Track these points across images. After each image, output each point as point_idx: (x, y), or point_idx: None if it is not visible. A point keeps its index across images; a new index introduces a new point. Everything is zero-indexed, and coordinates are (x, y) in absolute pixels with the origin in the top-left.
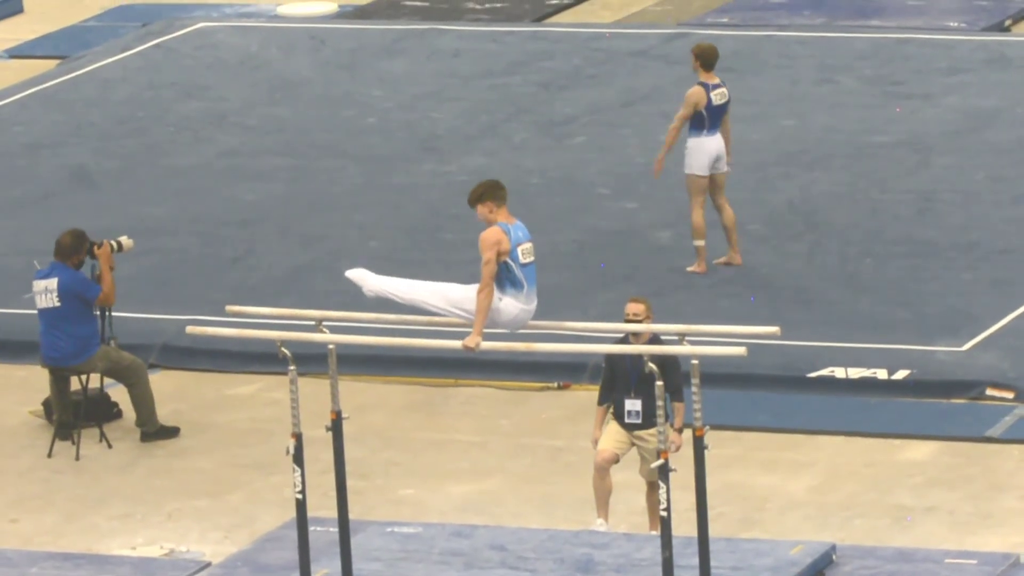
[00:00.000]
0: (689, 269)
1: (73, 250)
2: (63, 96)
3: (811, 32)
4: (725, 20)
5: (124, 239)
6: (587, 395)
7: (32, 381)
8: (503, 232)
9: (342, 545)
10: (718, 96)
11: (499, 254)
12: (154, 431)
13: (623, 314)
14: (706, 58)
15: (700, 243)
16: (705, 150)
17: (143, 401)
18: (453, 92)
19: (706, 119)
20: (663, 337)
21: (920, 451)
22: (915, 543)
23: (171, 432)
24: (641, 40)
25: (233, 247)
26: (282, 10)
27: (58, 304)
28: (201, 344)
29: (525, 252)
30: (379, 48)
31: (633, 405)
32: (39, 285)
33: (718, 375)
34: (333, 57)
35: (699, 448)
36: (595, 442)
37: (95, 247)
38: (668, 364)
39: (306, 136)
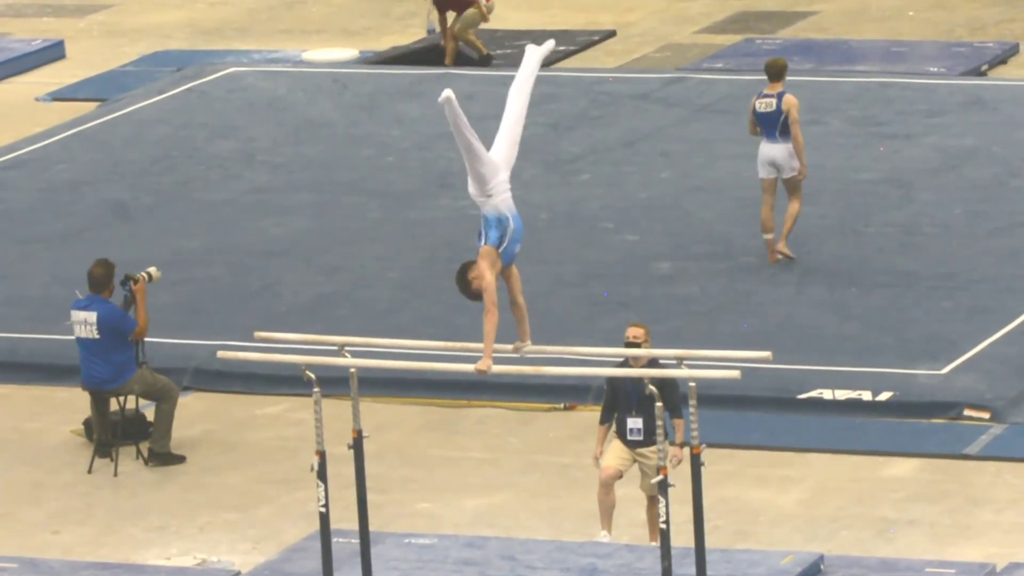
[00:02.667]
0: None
1: (106, 280)
2: (102, 136)
3: (800, 76)
4: (720, 65)
5: (153, 270)
6: (591, 415)
7: (73, 402)
8: (494, 251)
9: (363, 555)
10: (762, 104)
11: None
12: (162, 452)
13: (624, 338)
14: (766, 70)
15: (766, 237)
16: (759, 154)
17: (164, 419)
18: None
19: (758, 126)
20: (662, 361)
21: (902, 468)
22: (898, 554)
23: (177, 459)
24: (642, 84)
25: (261, 277)
26: (307, 56)
27: (97, 336)
28: (231, 368)
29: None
30: (397, 91)
31: (635, 424)
32: (78, 316)
33: (714, 396)
34: (354, 100)
35: (696, 464)
36: (596, 458)
37: (132, 283)
38: (667, 385)
39: (329, 173)
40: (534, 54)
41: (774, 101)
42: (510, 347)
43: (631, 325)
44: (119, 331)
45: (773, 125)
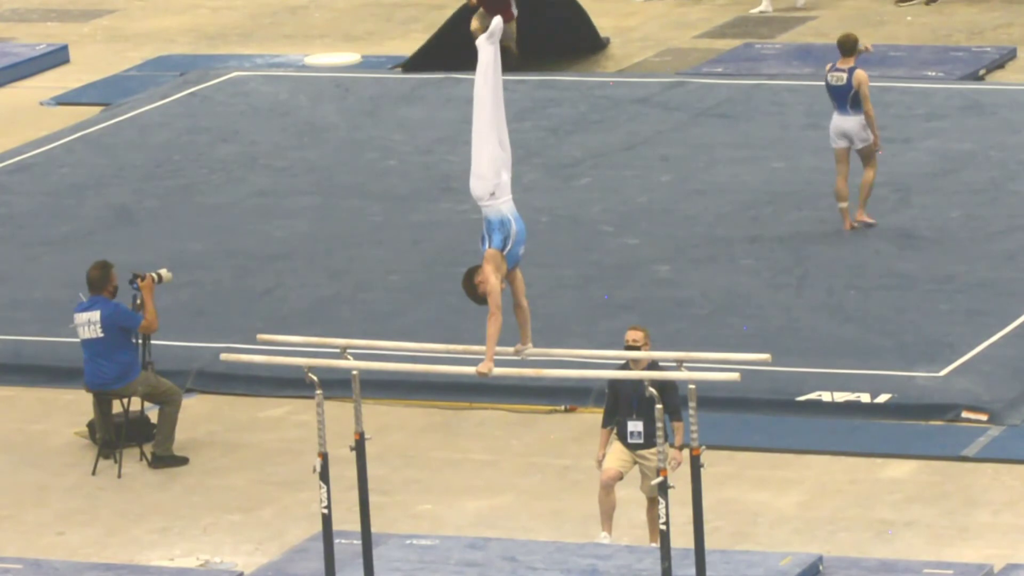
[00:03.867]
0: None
1: (104, 280)
2: (106, 140)
3: (800, 81)
4: (720, 70)
5: (164, 271)
6: (592, 417)
7: (77, 404)
8: (499, 255)
9: (365, 556)
10: (833, 78)
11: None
12: (165, 456)
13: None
14: (838, 45)
15: (840, 206)
16: (831, 126)
17: (167, 423)
18: (467, 137)
19: (830, 98)
20: (662, 363)
21: (900, 469)
22: (896, 555)
23: (180, 461)
24: (642, 88)
25: (264, 280)
26: (309, 60)
27: (101, 335)
28: (234, 370)
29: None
30: (399, 96)
31: (635, 426)
32: (81, 318)
33: (713, 399)
34: (356, 104)
35: (696, 466)
36: (599, 461)
37: (139, 279)
38: (667, 388)
39: (331, 177)
40: (484, 45)
41: (845, 75)
42: (511, 350)
43: (631, 328)
44: (123, 328)
45: (843, 98)
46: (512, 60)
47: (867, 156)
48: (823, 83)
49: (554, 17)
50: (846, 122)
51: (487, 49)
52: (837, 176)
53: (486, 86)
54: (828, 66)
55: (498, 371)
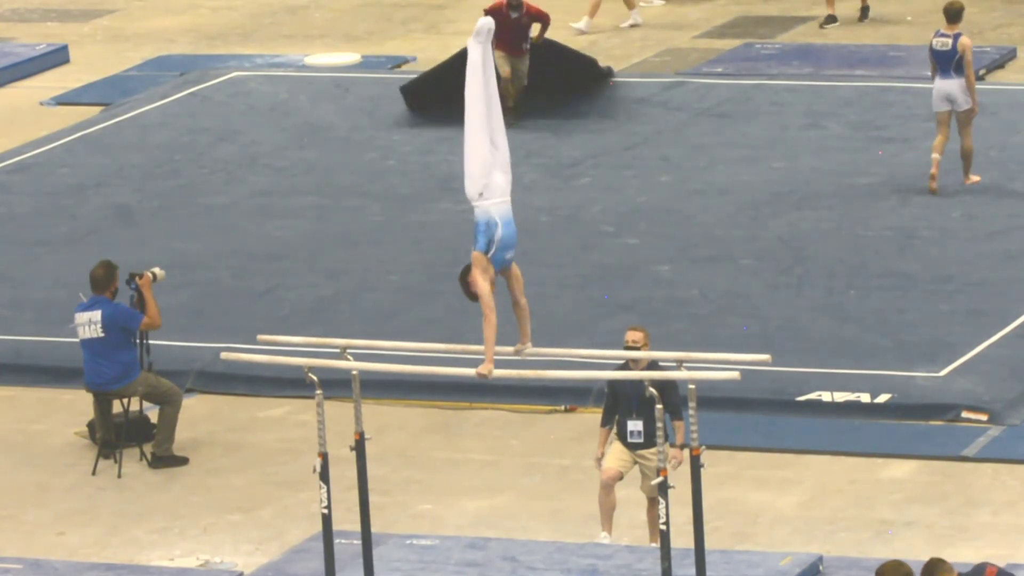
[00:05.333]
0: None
1: (107, 280)
2: (106, 140)
3: (799, 81)
4: (720, 70)
5: (157, 270)
6: (592, 417)
7: (77, 404)
8: (484, 258)
9: (365, 556)
10: (938, 43)
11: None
12: (165, 456)
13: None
14: (944, 12)
15: (933, 156)
16: (935, 90)
17: (167, 423)
18: None
19: (933, 63)
20: (662, 363)
21: (900, 469)
22: (896, 555)
23: (180, 461)
24: (642, 88)
25: (264, 280)
26: (309, 60)
27: (102, 335)
28: (234, 370)
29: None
30: (399, 96)
31: (635, 426)
32: (82, 317)
33: (713, 399)
34: (356, 104)
35: (696, 466)
36: (597, 460)
37: (137, 278)
38: (667, 388)
39: (331, 177)
40: (472, 45)
41: (950, 41)
42: (511, 349)
43: (630, 329)
44: (124, 328)
45: (948, 62)
46: (508, 114)
47: (964, 122)
48: (820, 82)
49: (557, 63)
50: (949, 85)
51: (475, 49)
52: (938, 135)
53: (476, 84)
54: (933, 36)
55: (498, 372)
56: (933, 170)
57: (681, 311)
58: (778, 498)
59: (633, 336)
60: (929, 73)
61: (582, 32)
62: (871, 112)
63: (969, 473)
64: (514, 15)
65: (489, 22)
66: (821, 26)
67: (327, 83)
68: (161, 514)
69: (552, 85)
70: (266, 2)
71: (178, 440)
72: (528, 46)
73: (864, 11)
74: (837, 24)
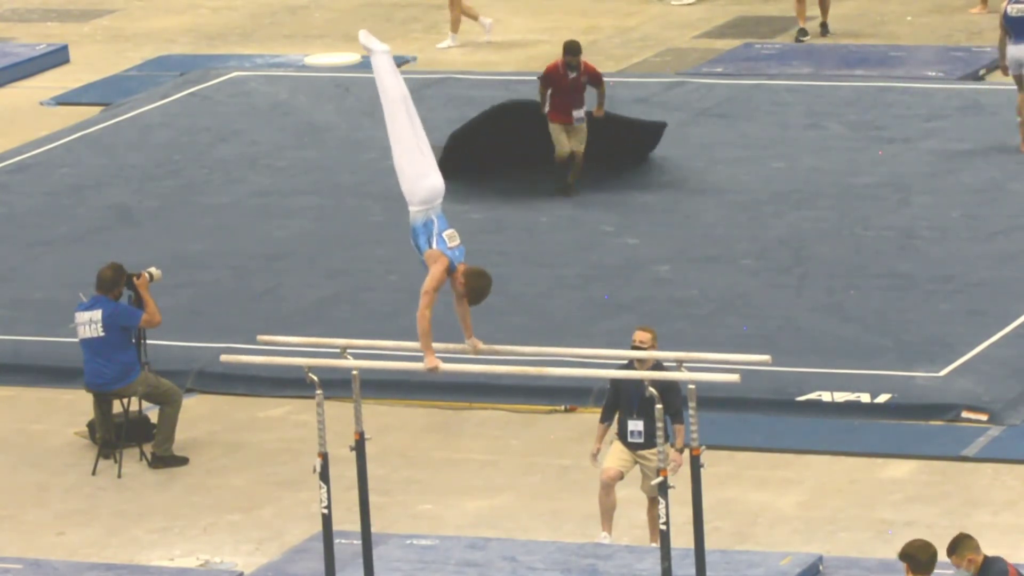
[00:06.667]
0: None
1: (114, 283)
2: (106, 140)
3: (800, 81)
4: (720, 70)
5: (154, 270)
6: (592, 417)
7: (77, 404)
8: (435, 251)
9: (365, 556)
10: (1014, 10)
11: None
12: (165, 456)
13: (629, 341)
14: None
15: (1019, 119)
16: (1008, 55)
17: (167, 424)
18: None
19: (1008, 29)
20: (663, 364)
21: (900, 469)
22: (896, 555)
23: (180, 461)
24: (643, 88)
25: (264, 280)
26: (309, 61)
27: (102, 334)
28: (234, 370)
29: (450, 237)
30: None
31: (636, 426)
32: (82, 317)
33: (713, 399)
34: (356, 104)
35: (696, 466)
36: (593, 455)
37: (134, 278)
38: (669, 390)
39: (331, 177)
40: (374, 56)
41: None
42: (466, 346)
43: (639, 329)
44: (125, 327)
45: (1017, 28)
46: (568, 191)
47: None
48: (820, 83)
49: (611, 130)
50: (1022, 50)
51: (379, 57)
52: (1020, 94)
53: (394, 90)
54: (1007, 3)
55: (499, 371)
56: (1022, 146)
57: (681, 311)
58: (778, 498)
59: (641, 336)
60: (998, 42)
61: (450, 46)
62: (871, 112)
63: (969, 473)
64: (572, 75)
65: (366, 34)
66: (796, 40)
67: (327, 83)
68: (161, 514)
69: (611, 156)
70: (266, 2)
71: (178, 440)
72: (583, 114)
73: (824, 27)
74: (808, 37)
